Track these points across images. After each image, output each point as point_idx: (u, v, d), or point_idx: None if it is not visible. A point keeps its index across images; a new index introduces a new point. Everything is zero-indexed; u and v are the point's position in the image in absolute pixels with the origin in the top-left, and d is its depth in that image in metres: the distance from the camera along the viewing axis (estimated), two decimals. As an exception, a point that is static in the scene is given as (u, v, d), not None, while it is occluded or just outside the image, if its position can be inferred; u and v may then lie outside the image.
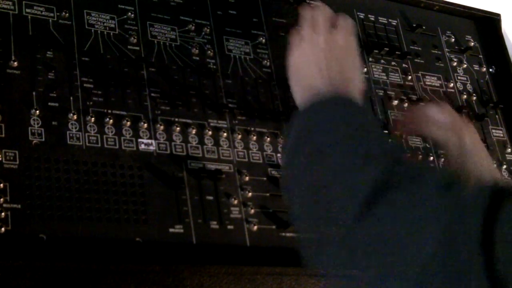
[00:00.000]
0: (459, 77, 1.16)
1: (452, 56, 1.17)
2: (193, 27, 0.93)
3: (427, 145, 1.05)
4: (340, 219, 0.59)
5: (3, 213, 0.69)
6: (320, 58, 0.77)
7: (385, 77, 1.07)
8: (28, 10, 0.82)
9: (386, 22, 1.13)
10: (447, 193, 0.57)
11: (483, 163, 0.84)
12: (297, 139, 0.69)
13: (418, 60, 1.13)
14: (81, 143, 0.77)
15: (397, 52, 1.10)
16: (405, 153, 0.68)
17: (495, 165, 1.09)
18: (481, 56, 1.21)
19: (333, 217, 0.60)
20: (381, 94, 1.05)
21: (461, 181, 0.58)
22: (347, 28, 0.82)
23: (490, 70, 1.20)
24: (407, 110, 1.03)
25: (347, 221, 0.58)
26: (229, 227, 0.81)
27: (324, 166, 0.64)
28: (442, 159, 1.04)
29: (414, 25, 1.15)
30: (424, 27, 1.15)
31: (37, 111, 0.76)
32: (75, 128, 0.78)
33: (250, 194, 0.85)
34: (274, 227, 0.84)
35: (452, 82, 1.14)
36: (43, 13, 0.83)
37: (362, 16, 1.11)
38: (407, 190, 0.58)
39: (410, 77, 1.10)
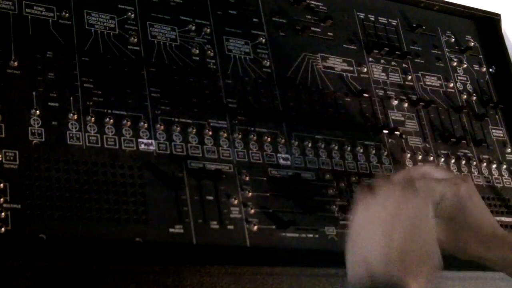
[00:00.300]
0: (459, 77, 1.16)
1: (452, 56, 1.17)
2: (193, 27, 0.93)
3: (427, 145, 1.05)
4: None
5: (3, 213, 0.69)
6: (391, 228, 0.66)
7: (385, 77, 1.07)
8: (28, 10, 0.82)
9: (386, 22, 1.13)
10: None
11: (482, 215, 0.82)
12: None
13: (418, 60, 1.13)
14: (81, 143, 0.77)
15: (397, 52, 1.10)
16: None
17: (494, 164, 1.09)
18: (481, 56, 1.21)
19: None
20: (381, 94, 1.05)
21: None
22: (426, 194, 0.72)
23: (490, 70, 1.21)
24: (403, 170, 0.93)
25: None
26: (229, 227, 0.81)
27: None
28: (442, 159, 1.04)
29: (414, 25, 1.15)
30: (424, 27, 1.15)
31: (37, 111, 0.76)
32: (75, 128, 0.78)
33: (250, 194, 0.85)
34: (274, 227, 0.84)
35: (452, 82, 1.14)
36: (43, 13, 0.83)
37: (362, 16, 1.11)
38: None
39: (410, 77, 1.10)
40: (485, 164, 1.09)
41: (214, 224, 0.80)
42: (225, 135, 0.87)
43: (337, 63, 1.04)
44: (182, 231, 0.78)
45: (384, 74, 1.08)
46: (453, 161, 1.06)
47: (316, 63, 1.01)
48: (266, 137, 0.90)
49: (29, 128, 0.75)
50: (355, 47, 1.07)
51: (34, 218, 0.71)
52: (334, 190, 0.92)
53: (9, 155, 0.72)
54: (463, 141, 1.08)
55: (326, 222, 0.88)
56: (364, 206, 0.69)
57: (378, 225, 0.66)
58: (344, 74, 1.03)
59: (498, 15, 1.25)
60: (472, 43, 1.20)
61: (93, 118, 0.79)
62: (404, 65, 1.11)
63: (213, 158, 0.85)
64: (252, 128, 0.90)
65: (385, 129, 1.01)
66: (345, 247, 0.68)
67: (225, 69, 0.93)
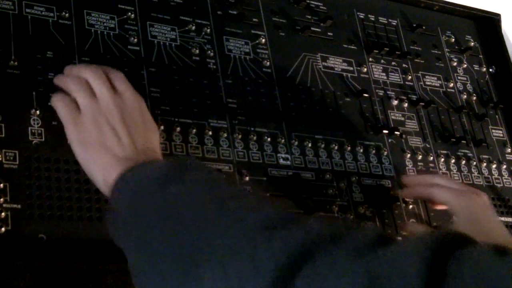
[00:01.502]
0: (459, 77, 1.16)
1: (452, 56, 1.17)
2: (193, 27, 0.93)
3: (427, 145, 1.05)
4: None
5: (3, 213, 0.69)
6: (114, 123, 0.71)
7: (385, 77, 1.07)
8: (28, 10, 0.82)
9: (386, 22, 1.13)
10: (372, 254, 0.46)
11: (494, 229, 0.80)
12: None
13: (418, 60, 1.13)
14: (81, 143, 0.77)
15: (397, 52, 1.10)
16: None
17: (494, 164, 1.09)
18: (481, 56, 1.21)
19: None
20: (381, 94, 1.05)
21: (389, 239, 0.49)
22: (127, 86, 0.76)
23: (490, 70, 1.21)
24: (414, 176, 0.97)
25: None
26: (229, 227, 0.81)
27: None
28: (442, 159, 1.04)
29: (414, 25, 1.15)
30: (424, 27, 1.15)
31: (37, 111, 0.76)
32: (75, 128, 0.78)
33: (250, 194, 0.85)
34: (274, 227, 0.84)
35: (452, 82, 1.14)
36: (43, 13, 0.83)
37: (362, 16, 1.11)
38: (327, 258, 0.48)
39: (410, 77, 1.10)
40: (485, 164, 1.09)
41: (214, 224, 0.80)
42: (225, 135, 0.87)
43: (337, 63, 1.04)
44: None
45: (384, 74, 1.08)
46: (453, 161, 1.06)
47: (316, 63, 1.01)
48: (266, 137, 0.90)
49: (29, 128, 0.75)
50: (355, 47, 1.07)
51: (34, 218, 0.71)
52: (334, 190, 0.92)
53: (9, 155, 0.72)
54: (463, 141, 1.08)
55: (326, 222, 0.88)
56: (78, 121, 0.72)
57: (106, 126, 0.70)
58: (344, 74, 1.03)
59: (498, 15, 1.25)
60: (472, 43, 1.21)
61: (93, 118, 0.79)
62: (404, 65, 1.11)
63: (213, 158, 0.85)
64: (252, 128, 0.90)
65: (385, 129, 1.01)
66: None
67: (225, 69, 0.93)
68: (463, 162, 1.06)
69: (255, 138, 0.89)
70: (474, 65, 1.19)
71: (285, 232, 0.50)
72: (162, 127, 0.83)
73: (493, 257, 0.43)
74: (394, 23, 1.14)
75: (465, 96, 1.14)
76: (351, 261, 0.46)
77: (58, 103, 0.74)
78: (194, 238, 0.54)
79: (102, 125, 0.71)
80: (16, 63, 0.78)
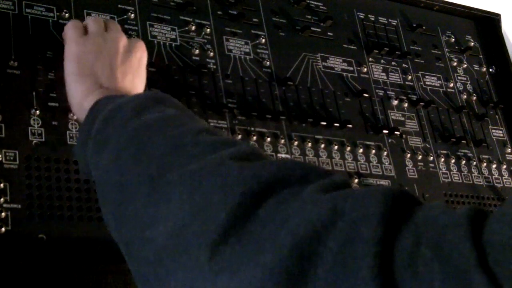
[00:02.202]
0: (459, 77, 1.16)
1: (452, 56, 1.17)
2: (193, 27, 0.93)
3: (427, 145, 1.05)
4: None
5: (3, 213, 0.69)
6: (114, 58, 0.75)
7: (385, 77, 1.07)
8: (28, 10, 0.82)
9: (386, 22, 1.13)
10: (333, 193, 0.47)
11: None
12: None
13: (418, 60, 1.13)
14: (81, 143, 0.77)
15: (397, 52, 1.10)
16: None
17: (494, 164, 1.09)
18: (481, 56, 1.21)
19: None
20: (381, 94, 1.05)
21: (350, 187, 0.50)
22: (139, 42, 0.81)
23: (490, 70, 1.21)
24: None
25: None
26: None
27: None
28: (442, 159, 1.04)
29: (414, 25, 1.15)
30: (424, 27, 1.15)
31: (37, 111, 0.76)
32: (75, 128, 0.78)
33: (250, 194, 0.85)
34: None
35: (452, 82, 1.14)
36: (43, 13, 0.83)
37: (362, 16, 1.11)
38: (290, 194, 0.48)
39: (410, 77, 1.10)
40: (485, 164, 1.09)
41: (214, 224, 0.80)
42: (225, 135, 0.87)
43: (337, 63, 1.04)
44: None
45: (384, 74, 1.08)
46: (453, 161, 1.06)
47: (316, 63, 1.01)
48: (266, 137, 0.90)
49: (29, 128, 0.75)
50: (355, 47, 1.07)
51: (34, 218, 0.71)
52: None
53: (9, 155, 0.72)
54: (463, 141, 1.08)
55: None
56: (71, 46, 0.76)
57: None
58: (344, 74, 1.03)
59: (498, 15, 1.25)
60: (472, 43, 1.21)
61: (93, 118, 0.79)
62: (404, 65, 1.11)
63: (213, 158, 0.85)
64: (252, 128, 0.90)
65: (385, 129, 1.01)
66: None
67: (225, 69, 0.93)
68: (463, 162, 1.06)
69: (255, 138, 0.89)
70: (474, 65, 1.19)
71: (257, 164, 0.51)
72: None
73: (443, 209, 0.44)
74: (394, 23, 1.14)
75: (465, 96, 1.14)
76: (317, 195, 0.47)
77: (68, 24, 0.79)
78: (166, 160, 0.55)
79: (102, 52, 0.75)
80: (16, 63, 0.78)
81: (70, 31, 0.77)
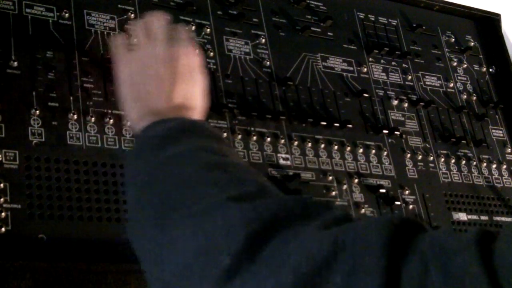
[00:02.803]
0: (459, 77, 1.16)
1: (452, 56, 1.17)
2: (193, 27, 0.93)
3: (427, 145, 1.05)
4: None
5: (3, 213, 0.69)
6: (160, 69, 0.73)
7: (385, 77, 1.07)
8: (28, 10, 0.82)
9: (386, 22, 1.13)
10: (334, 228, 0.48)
11: None
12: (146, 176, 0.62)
13: (418, 60, 1.13)
14: (81, 143, 0.77)
15: (397, 52, 1.10)
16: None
17: (494, 164, 1.09)
18: (481, 56, 1.21)
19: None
20: (381, 94, 1.05)
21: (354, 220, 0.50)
22: (187, 43, 0.78)
23: (490, 70, 1.21)
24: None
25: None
26: (229, 227, 0.81)
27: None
28: (442, 159, 1.04)
29: (414, 25, 1.15)
30: (424, 27, 1.15)
31: (37, 111, 0.76)
32: (75, 128, 0.78)
33: (250, 194, 0.84)
34: (274, 227, 0.84)
35: (452, 82, 1.14)
36: (43, 13, 0.83)
37: (362, 16, 1.11)
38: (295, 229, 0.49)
39: (410, 77, 1.10)
40: (485, 164, 1.09)
41: (214, 224, 0.80)
42: (225, 135, 0.87)
43: (337, 63, 1.04)
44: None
45: (384, 74, 1.08)
46: (453, 161, 1.06)
47: (316, 63, 1.01)
48: (266, 137, 0.90)
49: (29, 128, 0.75)
50: (355, 47, 1.07)
51: (34, 218, 0.71)
52: (334, 190, 0.92)
53: (9, 155, 0.72)
54: (463, 141, 1.08)
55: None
56: (130, 56, 0.76)
57: (152, 69, 0.73)
58: (344, 74, 1.03)
59: (498, 15, 1.25)
60: (472, 43, 1.21)
61: (93, 118, 0.79)
62: (404, 65, 1.11)
63: (213, 158, 0.85)
64: (252, 128, 0.90)
65: (385, 129, 1.01)
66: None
67: (225, 69, 0.93)
68: (463, 162, 1.06)
69: (255, 138, 0.89)
70: (474, 65, 1.19)
71: (259, 204, 0.52)
72: (162, 127, 0.83)
73: (449, 234, 0.44)
74: (394, 23, 1.14)
75: (465, 96, 1.14)
76: (318, 231, 0.47)
77: (114, 41, 0.79)
78: (174, 196, 0.57)
79: (147, 70, 0.74)
80: (16, 63, 0.78)
81: (116, 49, 0.78)
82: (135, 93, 0.74)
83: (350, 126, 0.97)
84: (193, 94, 0.75)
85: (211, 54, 0.92)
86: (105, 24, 0.87)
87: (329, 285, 0.42)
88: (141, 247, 0.58)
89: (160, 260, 0.53)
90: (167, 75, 0.73)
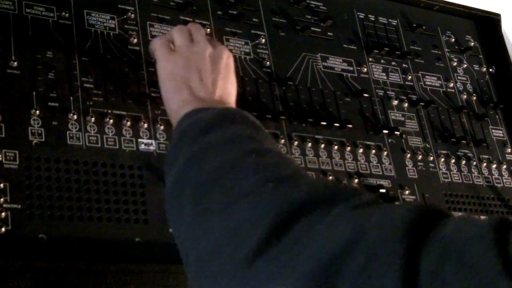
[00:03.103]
0: (459, 77, 1.16)
1: (452, 56, 1.17)
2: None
3: (427, 145, 1.05)
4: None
5: (3, 213, 0.69)
6: (203, 67, 0.78)
7: (385, 77, 1.07)
8: (28, 10, 0.82)
9: (386, 22, 1.13)
10: (359, 211, 0.49)
11: None
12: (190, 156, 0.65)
13: (418, 60, 1.13)
14: (81, 143, 0.77)
15: (397, 52, 1.10)
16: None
17: (494, 164, 1.09)
18: (481, 56, 1.21)
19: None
20: (381, 94, 1.05)
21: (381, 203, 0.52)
22: (223, 47, 0.83)
23: (490, 70, 1.21)
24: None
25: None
26: (229, 227, 0.81)
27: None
28: (442, 159, 1.04)
29: (414, 25, 1.15)
30: (424, 27, 1.15)
31: (37, 111, 0.76)
32: (75, 128, 0.78)
33: (250, 194, 0.84)
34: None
35: (452, 82, 1.14)
36: (43, 13, 0.83)
37: (362, 16, 1.11)
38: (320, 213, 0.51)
39: (410, 77, 1.10)
40: (485, 164, 1.09)
41: (214, 224, 0.80)
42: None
43: (337, 63, 1.04)
44: (182, 231, 0.78)
45: (384, 74, 1.08)
46: (453, 161, 1.06)
47: (316, 63, 1.01)
48: (266, 137, 0.90)
49: (29, 128, 0.75)
50: (355, 47, 1.07)
51: (34, 218, 0.71)
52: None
53: (9, 155, 0.72)
54: (463, 141, 1.08)
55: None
56: (173, 55, 0.79)
57: (194, 65, 0.78)
58: (344, 74, 1.03)
59: (498, 15, 1.25)
60: (472, 43, 1.21)
61: (93, 118, 0.79)
62: (404, 65, 1.11)
63: (213, 158, 0.85)
64: (252, 128, 0.90)
65: (385, 129, 1.01)
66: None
67: (225, 69, 0.93)
68: (463, 162, 1.06)
69: (255, 138, 0.89)
70: (474, 65, 1.19)
71: (291, 187, 0.55)
72: (162, 127, 0.83)
73: (467, 222, 0.45)
74: (394, 23, 1.14)
75: (465, 96, 1.14)
76: (343, 214, 0.49)
77: (155, 41, 0.82)
78: (213, 178, 0.60)
79: (191, 65, 0.78)
80: (16, 63, 0.78)
81: (159, 49, 0.80)
82: (178, 85, 0.77)
83: (350, 126, 0.97)
84: (230, 92, 0.79)
85: (211, 54, 0.92)
86: (105, 24, 0.87)
87: (351, 265, 0.44)
88: (179, 224, 0.62)
89: (196, 237, 0.57)
90: (210, 71, 0.78)
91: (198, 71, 0.77)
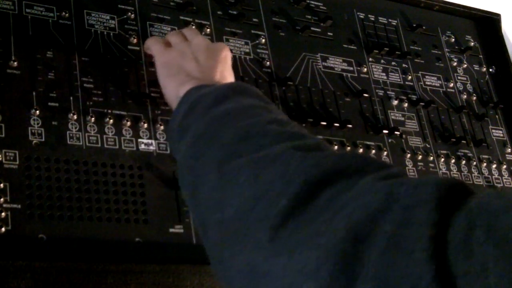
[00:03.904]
0: (459, 77, 1.16)
1: (452, 56, 1.17)
2: (193, 27, 0.93)
3: (427, 145, 1.05)
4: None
5: (3, 213, 0.69)
6: (199, 54, 0.79)
7: (385, 77, 1.07)
8: (28, 10, 0.82)
9: (386, 22, 1.13)
10: (386, 182, 0.49)
11: None
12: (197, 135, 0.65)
13: (418, 60, 1.13)
14: (81, 143, 0.77)
15: (397, 52, 1.10)
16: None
17: (494, 164, 1.09)
18: (481, 56, 1.21)
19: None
20: (381, 94, 1.05)
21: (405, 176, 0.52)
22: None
23: (490, 70, 1.21)
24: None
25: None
26: (229, 227, 0.81)
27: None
28: (442, 159, 1.04)
29: (414, 25, 1.15)
30: (424, 27, 1.15)
31: (37, 111, 0.76)
32: (75, 128, 0.78)
33: (250, 194, 0.84)
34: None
35: (452, 82, 1.14)
36: (43, 13, 0.83)
37: (362, 16, 1.11)
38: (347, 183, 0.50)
39: (410, 77, 1.10)
40: (485, 164, 1.09)
41: (214, 224, 0.80)
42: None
43: (337, 63, 1.04)
44: (182, 231, 0.78)
45: (384, 74, 1.08)
46: (453, 161, 1.06)
47: (316, 63, 1.01)
48: (266, 137, 0.90)
49: (29, 128, 0.75)
50: (355, 47, 1.07)
51: (34, 218, 0.71)
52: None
53: (9, 155, 0.72)
54: (463, 141, 1.08)
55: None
56: (167, 50, 0.81)
57: (190, 54, 0.79)
58: (344, 74, 1.03)
59: (498, 15, 1.25)
60: (472, 43, 1.21)
61: (93, 118, 0.79)
62: (404, 65, 1.11)
63: (213, 158, 0.85)
64: (252, 128, 0.90)
65: (385, 129, 1.01)
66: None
67: (225, 69, 0.93)
68: (463, 162, 1.06)
69: (255, 138, 0.89)
70: (474, 65, 1.19)
71: (319, 155, 0.54)
72: (162, 127, 0.83)
73: (496, 196, 0.45)
74: (394, 23, 1.14)
75: (465, 96, 1.14)
76: (374, 183, 0.49)
77: (150, 40, 0.84)
78: (233, 148, 0.59)
79: (186, 53, 0.79)
80: (16, 63, 0.78)
81: (154, 45, 0.82)
82: (173, 70, 0.77)
83: (350, 126, 0.97)
84: (228, 78, 0.79)
85: (211, 54, 0.92)
86: (105, 24, 0.87)
87: (380, 232, 0.44)
88: (198, 196, 0.60)
89: (220, 204, 0.56)
90: (207, 58, 0.78)
91: (195, 58, 0.78)
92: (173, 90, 0.76)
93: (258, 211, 0.52)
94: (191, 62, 0.78)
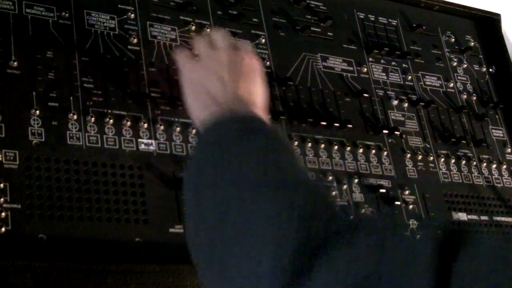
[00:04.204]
0: (459, 77, 1.16)
1: (452, 56, 1.17)
2: (193, 27, 0.93)
3: (427, 145, 1.05)
4: None
5: (3, 213, 0.69)
6: (223, 72, 0.77)
7: (385, 77, 1.07)
8: (28, 10, 0.82)
9: (386, 22, 1.13)
10: (387, 239, 0.50)
11: None
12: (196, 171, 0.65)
13: (418, 60, 1.13)
14: (81, 143, 0.77)
15: (397, 52, 1.10)
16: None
17: (494, 164, 1.09)
18: (481, 56, 1.21)
19: None
20: (381, 94, 1.05)
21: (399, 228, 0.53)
22: (248, 50, 0.83)
23: (490, 70, 1.21)
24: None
25: None
26: (229, 227, 0.81)
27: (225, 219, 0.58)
28: (442, 159, 1.04)
29: (414, 25, 1.15)
30: (424, 27, 1.15)
31: (37, 111, 0.76)
32: (75, 128, 0.78)
33: (250, 194, 0.84)
34: (274, 227, 0.84)
35: (452, 82, 1.14)
36: (43, 13, 0.83)
37: (362, 16, 1.11)
38: (347, 245, 0.50)
39: (410, 77, 1.10)
40: (485, 164, 1.09)
41: (214, 224, 0.80)
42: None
43: (337, 63, 1.04)
44: (182, 231, 0.78)
45: (384, 74, 1.08)
46: (453, 161, 1.06)
47: (316, 63, 1.01)
48: (266, 137, 0.90)
49: (29, 128, 0.75)
50: (355, 47, 1.07)
51: (34, 218, 0.71)
52: (334, 190, 0.91)
53: (9, 155, 0.72)
54: (463, 141, 1.08)
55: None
56: (194, 63, 0.80)
57: (215, 72, 0.77)
58: (344, 74, 1.03)
59: (498, 15, 1.25)
60: (472, 43, 1.21)
61: (93, 118, 0.79)
62: (404, 65, 1.11)
63: (213, 158, 0.85)
64: (252, 128, 0.90)
65: (385, 129, 1.01)
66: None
67: (225, 69, 0.92)
68: (463, 162, 1.06)
69: (255, 138, 0.89)
70: (474, 65, 1.19)
71: (307, 217, 0.53)
72: (162, 127, 0.83)
73: (498, 241, 0.46)
74: (394, 23, 1.14)
75: (465, 96, 1.14)
76: (366, 243, 0.49)
77: (178, 53, 0.83)
78: (232, 197, 0.59)
79: (209, 70, 0.78)
80: (16, 63, 0.78)
81: (179, 58, 0.82)
82: (199, 88, 0.77)
83: (350, 126, 0.97)
84: (255, 92, 0.78)
85: (211, 54, 0.92)
86: (105, 24, 0.87)
87: None
88: (195, 240, 0.62)
89: (211, 263, 0.57)
90: (231, 77, 0.77)
91: (220, 80, 0.77)
92: (196, 111, 0.76)
93: (248, 278, 0.52)
94: (215, 82, 0.76)
